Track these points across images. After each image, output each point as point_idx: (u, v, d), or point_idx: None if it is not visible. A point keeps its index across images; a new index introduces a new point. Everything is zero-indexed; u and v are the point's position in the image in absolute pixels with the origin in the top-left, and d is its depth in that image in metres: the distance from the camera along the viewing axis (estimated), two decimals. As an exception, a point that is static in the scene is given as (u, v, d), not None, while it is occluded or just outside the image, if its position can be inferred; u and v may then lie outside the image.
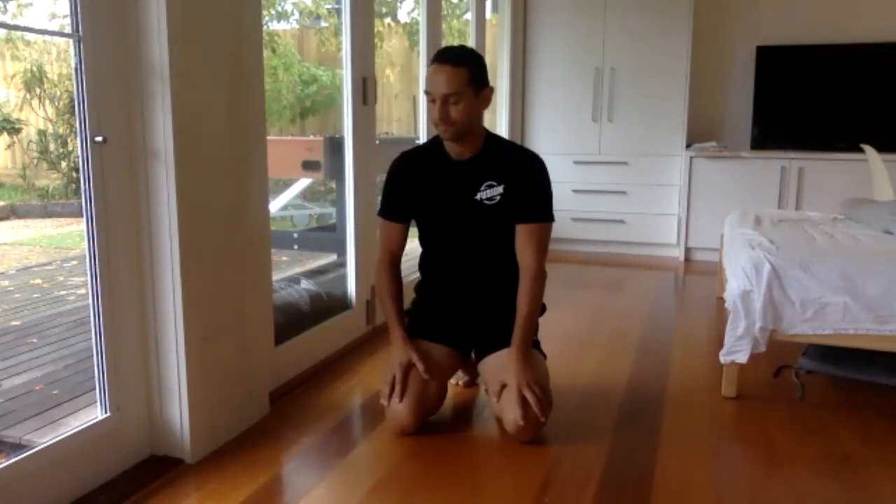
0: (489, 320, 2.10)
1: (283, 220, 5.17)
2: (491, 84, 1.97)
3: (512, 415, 1.90)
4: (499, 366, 2.00)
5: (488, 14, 4.77)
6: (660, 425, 2.09)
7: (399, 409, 1.97)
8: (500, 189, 2.00)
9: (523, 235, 2.00)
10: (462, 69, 1.87)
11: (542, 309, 2.11)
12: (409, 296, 2.21)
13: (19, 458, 1.54)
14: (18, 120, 5.96)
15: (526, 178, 2.00)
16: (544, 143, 4.90)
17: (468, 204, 2.02)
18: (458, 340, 2.13)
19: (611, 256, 4.78)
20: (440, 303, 2.16)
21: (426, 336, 2.10)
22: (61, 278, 4.33)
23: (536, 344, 2.12)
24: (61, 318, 3.41)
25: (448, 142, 2.00)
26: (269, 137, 2.21)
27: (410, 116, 6.11)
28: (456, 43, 6.15)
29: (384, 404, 2.01)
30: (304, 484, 1.77)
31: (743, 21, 4.74)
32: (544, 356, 2.14)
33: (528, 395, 1.90)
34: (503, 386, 1.95)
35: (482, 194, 2.01)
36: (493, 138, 2.05)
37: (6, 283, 4.24)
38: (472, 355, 2.19)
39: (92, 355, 1.74)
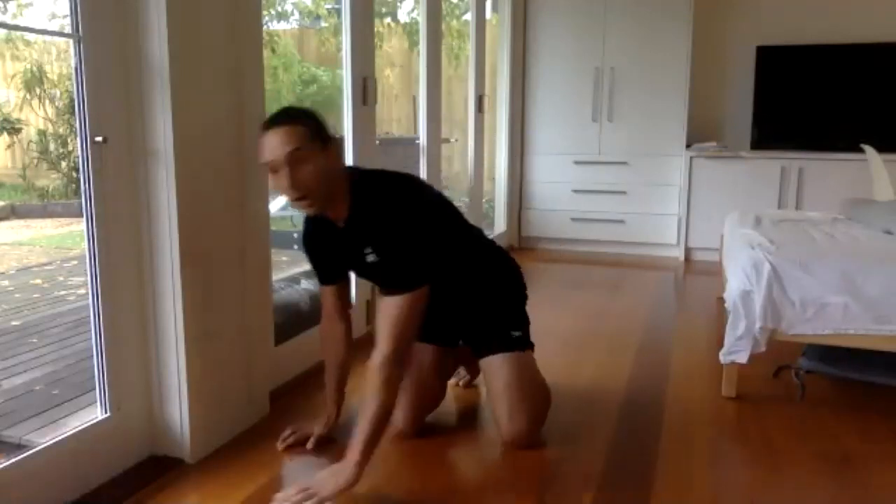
0: (470, 314, 2.01)
1: (283, 220, 5.17)
2: (338, 134, 1.74)
3: (504, 428, 1.92)
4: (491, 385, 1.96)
5: (488, 14, 4.77)
6: (660, 425, 2.09)
7: (396, 415, 1.96)
8: (375, 256, 1.73)
9: (380, 309, 1.70)
10: (297, 126, 1.60)
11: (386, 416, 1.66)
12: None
13: (19, 458, 1.54)
14: (18, 120, 5.96)
15: (387, 246, 1.69)
16: (544, 143, 4.90)
17: (367, 266, 1.77)
18: (442, 336, 2.06)
19: (611, 256, 4.78)
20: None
21: (419, 338, 2.00)
22: (61, 278, 4.33)
23: (523, 339, 1.98)
24: (61, 318, 3.41)
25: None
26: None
27: (410, 116, 6.11)
28: (455, 43, 6.16)
29: (279, 447, 1.93)
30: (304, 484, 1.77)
31: (743, 21, 4.74)
32: (531, 346, 2.01)
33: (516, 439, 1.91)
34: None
35: (370, 258, 1.74)
36: (360, 196, 1.71)
37: (6, 283, 4.23)
38: (461, 343, 2.11)
39: (92, 355, 1.74)
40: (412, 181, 1.81)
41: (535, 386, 1.97)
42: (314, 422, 1.97)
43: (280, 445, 1.93)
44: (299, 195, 1.62)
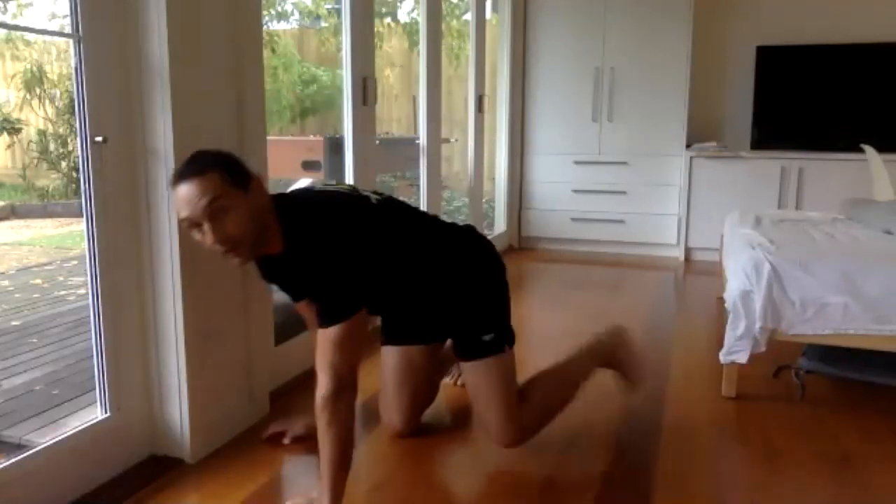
0: (437, 316, 1.90)
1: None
2: (257, 174, 1.57)
3: (489, 433, 1.87)
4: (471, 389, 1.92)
5: (488, 14, 4.77)
6: (660, 425, 2.09)
7: (392, 417, 1.98)
8: (309, 286, 1.67)
9: (317, 342, 1.56)
10: (210, 174, 1.45)
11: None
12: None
13: (19, 458, 1.54)
14: (18, 120, 5.96)
15: (315, 279, 1.56)
16: (544, 143, 4.90)
17: (310, 292, 1.71)
18: (423, 336, 2.00)
19: (611, 256, 4.78)
20: (394, 317, 1.99)
21: (398, 341, 2.00)
22: (61, 278, 4.33)
23: (496, 341, 1.82)
24: (61, 318, 3.41)
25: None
26: (269, 137, 2.22)
27: (410, 116, 6.11)
28: (455, 43, 6.16)
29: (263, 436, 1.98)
30: (303, 484, 1.77)
31: (743, 21, 4.74)
32: (506, 346, 1.83)
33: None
34: None
35: (306, 287, 1.70)
36: (290, 228, 1.57)
37: (6, 283, 4.23)
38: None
39: (92, 355, 1.74)
40: (338, 204, 1.63)
41: (505, 388, 1.82)
42: (302, 419, 1.98)
43: (264, 435, 1.99)
44: (227, 248, 1.49)
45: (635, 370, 2.09)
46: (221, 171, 1.47)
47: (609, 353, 2.06)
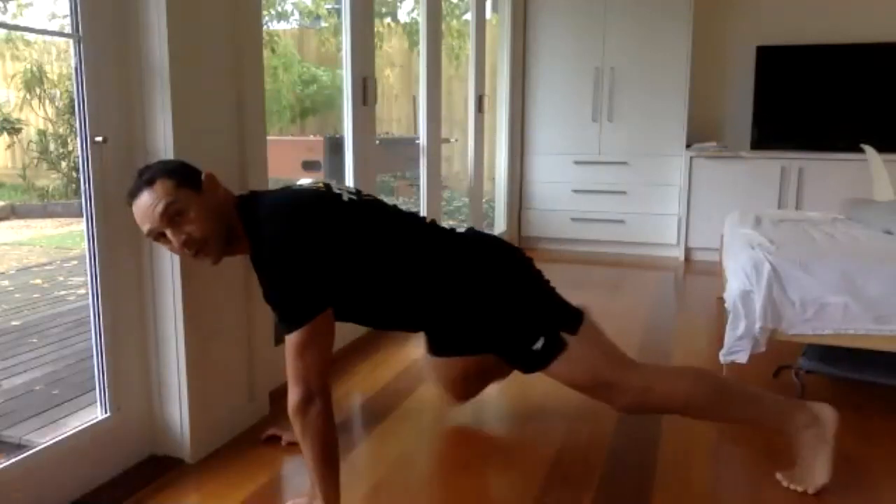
0: (468, 334, 1.74)
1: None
2: (208, 170, 1.55)
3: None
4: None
5: (488, 14, 4.77)
6: (660, 425, 2.09)
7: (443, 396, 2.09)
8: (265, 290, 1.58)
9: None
10: (159, 182, 1.46)
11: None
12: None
13: (19, 458, 1.54)
14: (18, 120, 5.96)
15: (267, 282, 1.51)
16: (544, 143, 4.90)
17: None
18: (464, 348, 1.90)
19: (611, 256, 4.78)
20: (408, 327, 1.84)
21: (439, 353, 1.98)
22: (61, 278, 4.33)
23: (549, 345, 1.63)
24: (61, 318, 3.41)
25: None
26: (269, 137, 2.22)
27: (410, 116, 6.11)
28: (455, 43, 6.16)
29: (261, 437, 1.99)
30: (304, 484, 1.77)
31: (743, 21, 4.74)
32: (564, 343, 1.63)
33: None
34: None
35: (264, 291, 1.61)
36: (251, 228, 1.53)
37: (6, 283, 4.23)
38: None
39: (92, 355, 1.74)
40: (298, 201, 1.57)
41: (592, 376, 1.64)
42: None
43: (262, 437, 2.00)
44: (196, 249, 1.49)
45: (815, 470, 1.71)
46: (169, 177, 1.49)
47: (804, 428, 1.73)
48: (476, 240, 1.74)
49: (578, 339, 1.62)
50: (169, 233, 1.48)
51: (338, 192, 1.64)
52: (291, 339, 1.45)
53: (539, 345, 1.62)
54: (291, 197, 1.60)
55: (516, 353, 1.67)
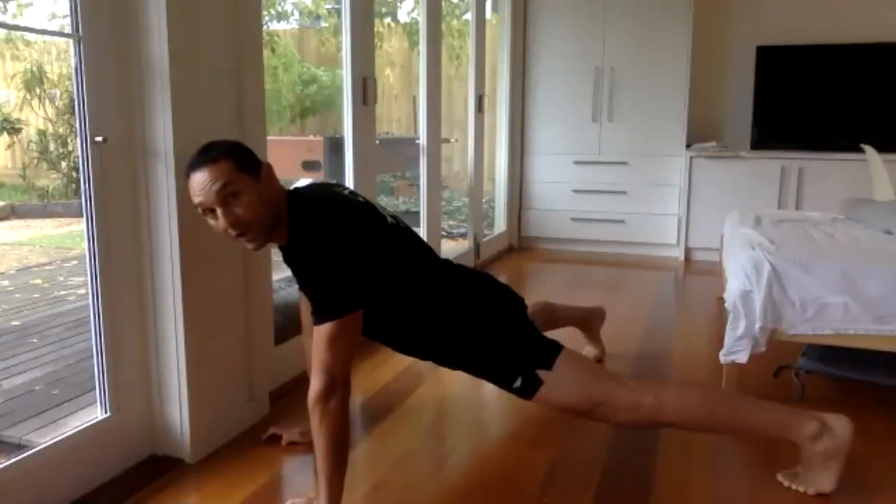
0: (456, 360, 1.83)
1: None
2: (267, 161, 1.62)
3: None
4: None
5: (488, 14, 4.77)
6: (659, 431, 2.08)
7: None
8: (304, 278, 1.64)
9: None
10: (222, 161, 1.51)
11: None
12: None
13: (19, 458, 1.54)
14: (18, 120, 5.96)
15: (310, 269, 1.57)
16: (544, 143, 4.90)
17: (303, 287, 1.71)
18: (461, 367, 1.88)
19: (611, 256, 4.78)
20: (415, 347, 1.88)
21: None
22: (61, 278, 4.33)
23: (528, 382, 1.73)
24: (61, 318, 3.41)
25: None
26: (269, 137, 2.22)
27: (410, 116, 6.11)
28: (455, 43, 6.16)
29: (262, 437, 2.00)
30: (304, 484, 1.78)
31: (743, 21, 4.74)
32: (540, 381, 1.72)
33: None
34: None
35: (301, 279, 1.67)
36: (296, 219, 1.59)
37: (6, 283, 4.23)
38: None
39: (92, 355, 1.74)
40: (352, 206, 1.64)
41: (575, 402, 1.71)
42: (299, 425, 1.97)
43: (262, 437, 2.00)
44: (240, 231, 1.54)
45: (820, 478, 1.71)
46: (232, 159, 1.53)
47: (813, 440, 1.70)
48: (472, 279, 1.85)
49: (553, 372, 1.71)
50: (220, 211, 1.52)
51: (382, 213, 1.72)
52: (324, 330, 1.49)
53: (518, 383, 1.73)
54: (348, 199, 1.67)
55: (500, 384, 1.78)
